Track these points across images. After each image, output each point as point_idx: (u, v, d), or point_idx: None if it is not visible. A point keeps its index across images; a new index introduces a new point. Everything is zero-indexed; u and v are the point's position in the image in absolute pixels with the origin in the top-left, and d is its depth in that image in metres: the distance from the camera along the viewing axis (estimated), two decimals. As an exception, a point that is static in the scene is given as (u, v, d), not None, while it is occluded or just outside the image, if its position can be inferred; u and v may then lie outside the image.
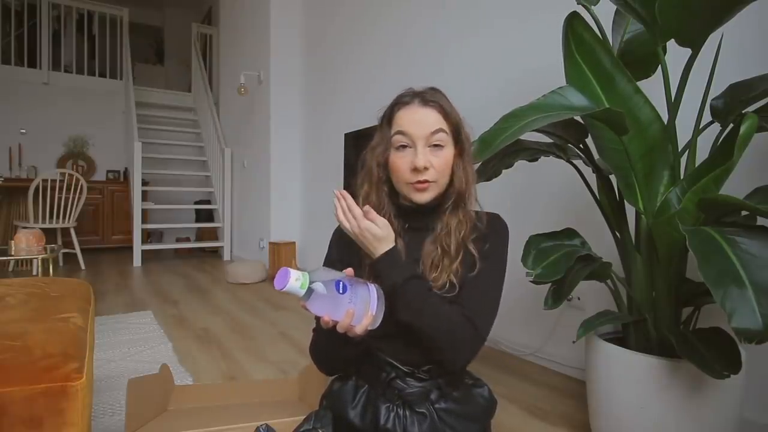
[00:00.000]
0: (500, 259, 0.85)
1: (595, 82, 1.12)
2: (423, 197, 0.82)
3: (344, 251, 0.89)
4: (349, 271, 0.74)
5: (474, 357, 0.79)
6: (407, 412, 0.80)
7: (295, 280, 0.64)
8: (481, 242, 0.84)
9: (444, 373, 0.83)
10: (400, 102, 0.84)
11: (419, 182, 0.80)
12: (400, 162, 0.81)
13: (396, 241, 0.84)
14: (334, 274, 0.71)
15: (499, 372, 1.77)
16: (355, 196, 0.85)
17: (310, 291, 0.66)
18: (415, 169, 0.79)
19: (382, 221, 0.77)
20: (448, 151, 0.81)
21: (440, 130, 0.80)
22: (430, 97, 0.81)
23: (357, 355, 0.83)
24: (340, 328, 0.70)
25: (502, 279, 0.85)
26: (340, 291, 0.69)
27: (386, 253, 0.76)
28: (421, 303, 0.76)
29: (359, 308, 0.70)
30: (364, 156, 0.88)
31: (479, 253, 0.82)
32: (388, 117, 0.85)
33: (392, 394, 0.82)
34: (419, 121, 0.80)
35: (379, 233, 0.76)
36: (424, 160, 0.79)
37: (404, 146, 0.81)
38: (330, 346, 0.82)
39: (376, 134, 0.88)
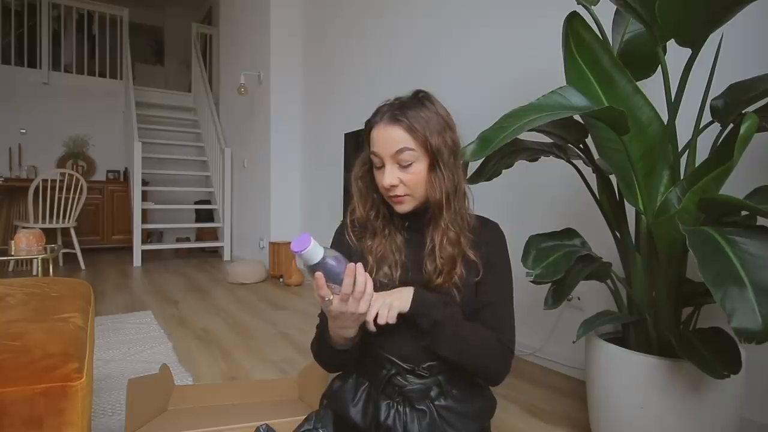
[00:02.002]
0: (508, 272, 0.90)
1: (595, 82, 1.12)
2: (403, 208, 0.84)
3: (345, 252, 0.90)
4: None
5: (509, 371, 0.86)
6: (407, 409, 0.80)
7: (313, 246, 0.68)
8: (478, 248, 0.85)
9: (445, 370, 0.83)
10: (372, 120, 0.85)
11: (393, 197, 0.83)
12: (378, 179, 0.85)
13: (396, 238, 0.87)
14: (345, 260, 0.73)
15: (499, 372, 1.77)
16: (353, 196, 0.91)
17: (323, 260, 0.69)
18: (385, 188, 0.83)
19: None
20: (419, 166, 0.81)
21: (404, 149, 0.80)
22: (399, 114, 0.81)
23: (353, 350, 0.83)
24: (343, 298, 0.71)
25: (512, 290, 0.90)
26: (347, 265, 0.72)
27: (414, 298, 0.79)
28: (460, 341, 0.80)
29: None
30: (353, 167, 0.92)
31: (479, 259, 0.84)
32: (366, 135, 0.87)
33: (392, 390, 0.82)
34: (385, 141, 0.81)
35: (388, 299, 0.77)
36: (390, 178, 0.81)
37: (379, 167, 0.84)
38: (329, 344, 0.82)
39: (364, 147, 0.91)
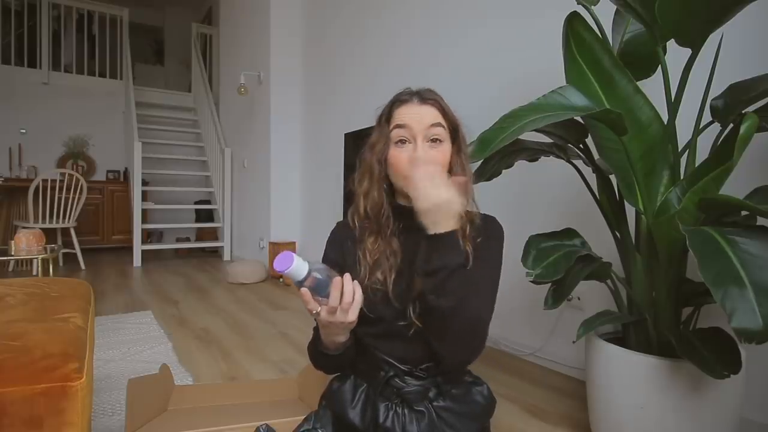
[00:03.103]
0: (498, 263, 0.86)
1: (595, 81, 1.12)
2: None
3: (339, 252, 0.90)
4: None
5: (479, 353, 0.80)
6: (405, 411, 0.80)
7: (296, 264, 0.68)
8: (475, 242, 0.84)
9: (442, 371, 0.83)
10: (398, 100, 0.84)
11: None
12: (400, 156, 0.80)
13: (392, 242, 0.84)
14: (331, 271, 0.73)
15: (499, 372, 1.77)
16: (353, 194, 0.88)
17: (308, 275, 0.69)
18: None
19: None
20: (447, 147, 0.82)
21: (439, 124, 0.80)
22: (428, 96, 0.83)
23: (346, 355, 0.82)
24: (330, 310, 0.70)
25: (498, 283, 0.86)
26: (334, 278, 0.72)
27: (450, 233, 0.72)
28: (463, 291, 0.73)
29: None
30: (362, 154, 0.88)
31: (473, 252, 0.83)
32: (387, 114, 0.85)
33: (390, 392, 0.82)
34: (419, 115, 0.80)
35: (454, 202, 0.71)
36: (423, 152, 0.79)
37: (403, 141, 0.81)
38: (321, 349, 0.82)
39: (374, 132, 0.87)
